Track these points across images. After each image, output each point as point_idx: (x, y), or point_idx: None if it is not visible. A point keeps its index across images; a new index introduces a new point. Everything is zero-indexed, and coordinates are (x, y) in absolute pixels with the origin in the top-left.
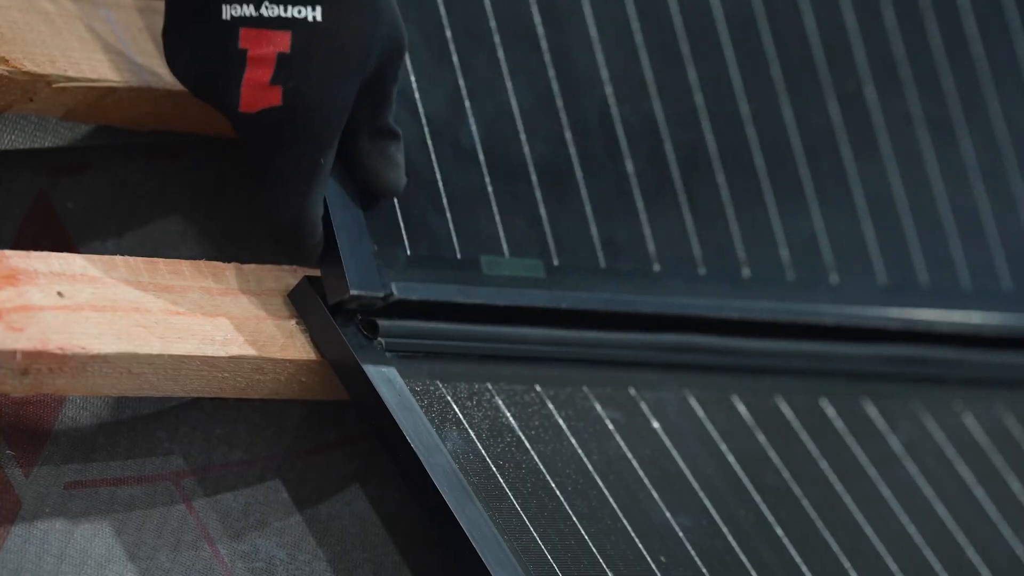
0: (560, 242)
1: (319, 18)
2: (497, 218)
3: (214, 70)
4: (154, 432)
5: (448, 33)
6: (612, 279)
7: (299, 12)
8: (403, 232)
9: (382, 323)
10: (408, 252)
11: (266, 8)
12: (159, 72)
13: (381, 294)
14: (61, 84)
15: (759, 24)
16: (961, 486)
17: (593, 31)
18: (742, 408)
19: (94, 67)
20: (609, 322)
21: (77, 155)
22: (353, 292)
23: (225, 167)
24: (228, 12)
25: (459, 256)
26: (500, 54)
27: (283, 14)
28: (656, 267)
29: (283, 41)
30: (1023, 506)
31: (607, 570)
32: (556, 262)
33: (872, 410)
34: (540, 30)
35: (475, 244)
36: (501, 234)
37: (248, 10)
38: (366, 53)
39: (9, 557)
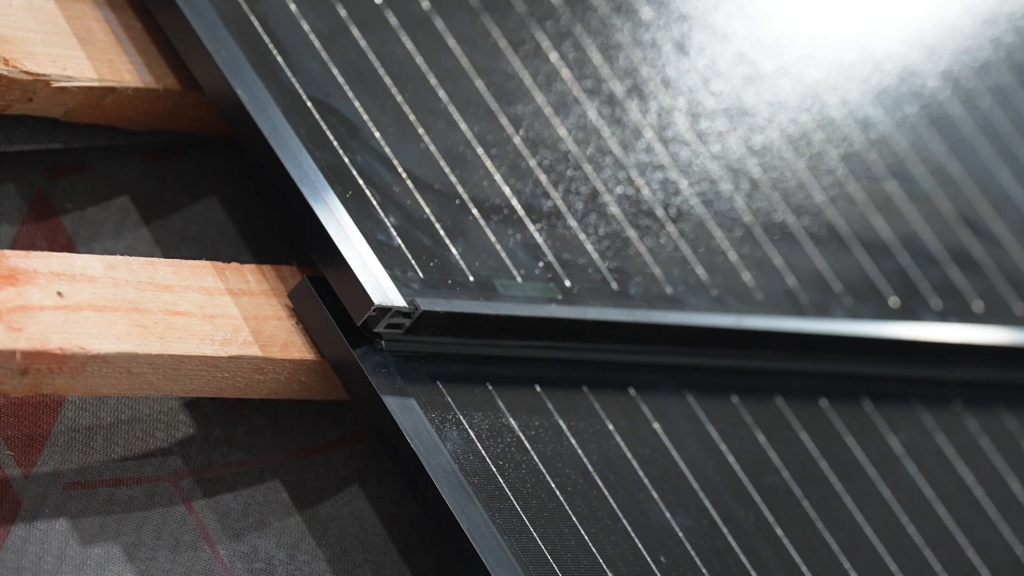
0: (568, 269)
1: None
2: (498, 248)
3: None
4: (153, 432)
5: (405, 108)
6: (625, 299)
7: None
8: (411, 260)
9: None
10: (421, 275)
11: None
12: (159, 72)
13: (407, 307)
14: (61, 84)
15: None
16: (961, 486)
17: (548, 110)
18: (742, 408)
19: (94, 67)
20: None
21: (77, 155)
22: (377, 303)
23: (225, 167)
24: None
25: (472, 279)
26: (460, 123)
27: None
28: (668, 289)
29: None
30: (1023, 506)
31: (607, 570)
32: (568, 284)
33: (872, 410)
34: (494, 104)
35: (485, 269)
36: (508, 263)
37: None
38: None
39: (9, 557)
